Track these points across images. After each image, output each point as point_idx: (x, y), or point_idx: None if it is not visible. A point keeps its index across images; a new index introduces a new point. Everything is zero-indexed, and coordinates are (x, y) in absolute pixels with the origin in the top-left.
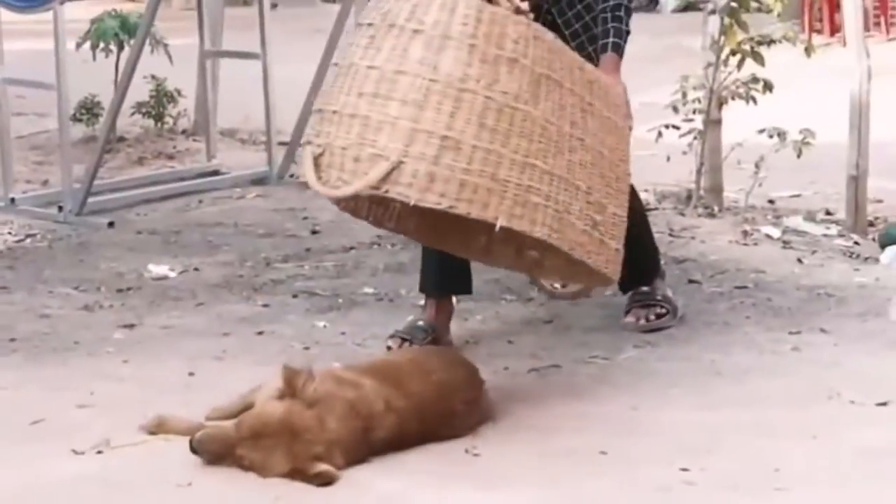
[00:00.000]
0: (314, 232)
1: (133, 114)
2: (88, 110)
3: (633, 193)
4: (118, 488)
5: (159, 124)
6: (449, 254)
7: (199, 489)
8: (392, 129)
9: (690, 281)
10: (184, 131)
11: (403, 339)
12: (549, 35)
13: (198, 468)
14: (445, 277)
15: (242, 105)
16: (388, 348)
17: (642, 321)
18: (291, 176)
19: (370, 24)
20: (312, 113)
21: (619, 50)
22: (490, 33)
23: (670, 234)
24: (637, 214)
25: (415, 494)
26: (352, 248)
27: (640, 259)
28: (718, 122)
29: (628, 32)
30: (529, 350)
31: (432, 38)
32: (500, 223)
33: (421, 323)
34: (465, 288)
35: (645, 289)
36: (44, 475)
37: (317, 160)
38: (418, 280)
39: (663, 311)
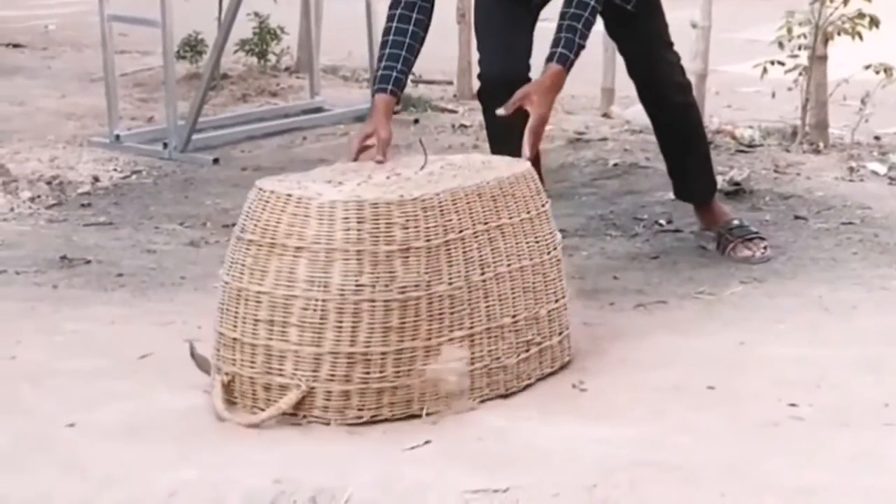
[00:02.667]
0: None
1: (236, 51)
2: (192, 48)
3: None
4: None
5: (262, 61)
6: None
7: (308, 427)
8: (296, 357)
9: (797, 217)
10: (287, 68)
11: None
12: (442, 185)
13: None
14: None
15: (345, 42)
16: None
17: (758, 253)
18: (395, 112)
19: (251, 241)
20: (215, 332)
21: (565, 62)
22: (376, 230)
23: (775, 171)
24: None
25: (521, 428)
26: None
27: (709, 170)
28: (824, 57)
29: (582, 46)
30: (635, 286)
31: (316, 253)
32: (425, 412)
33: None
34: None
35: (736, 222)
36: (153, 408)
37: (227, 387)
38: None
39: (765, 241)
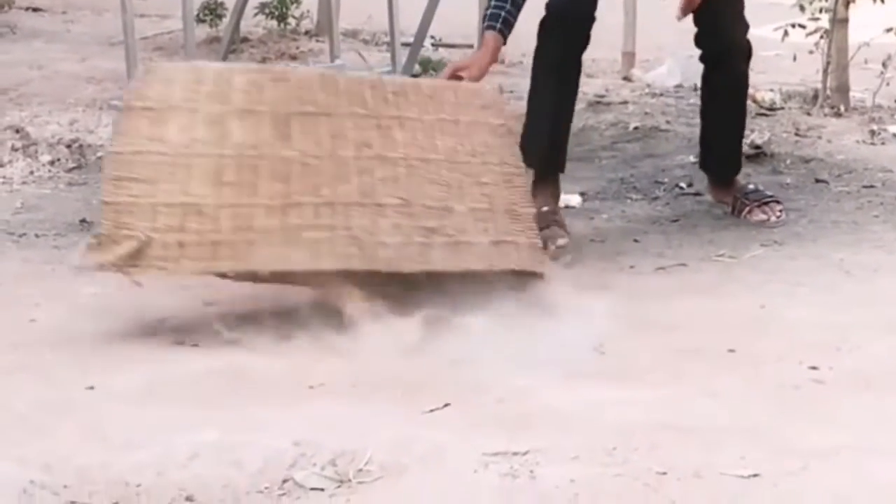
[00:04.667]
0: None
1: (256, 14)
2: (212, 11)
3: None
4: (245, 383)
5: (282, 24)
6: (559, 130)
7: (328, 389)
8: (136, 209)
9: (817, 180)
10: (307, 32)
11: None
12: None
13: (330, 373)
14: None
15: (365, 5)
16: None
17: (773, 217)
18: (415, 76)
19: (121, 108)
20: None
21: (492, 28)
22: (213, 93)
23: (796, 134)
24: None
25: (542, 390)
26: None
27: (741, 148)
28: (845, 20)
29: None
30: (656, 249)
31: (158, 112)
32: (267, 268)
33: (546, 208)
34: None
35: (751, 186)
36: (172, 370)
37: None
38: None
39: (781, 205)
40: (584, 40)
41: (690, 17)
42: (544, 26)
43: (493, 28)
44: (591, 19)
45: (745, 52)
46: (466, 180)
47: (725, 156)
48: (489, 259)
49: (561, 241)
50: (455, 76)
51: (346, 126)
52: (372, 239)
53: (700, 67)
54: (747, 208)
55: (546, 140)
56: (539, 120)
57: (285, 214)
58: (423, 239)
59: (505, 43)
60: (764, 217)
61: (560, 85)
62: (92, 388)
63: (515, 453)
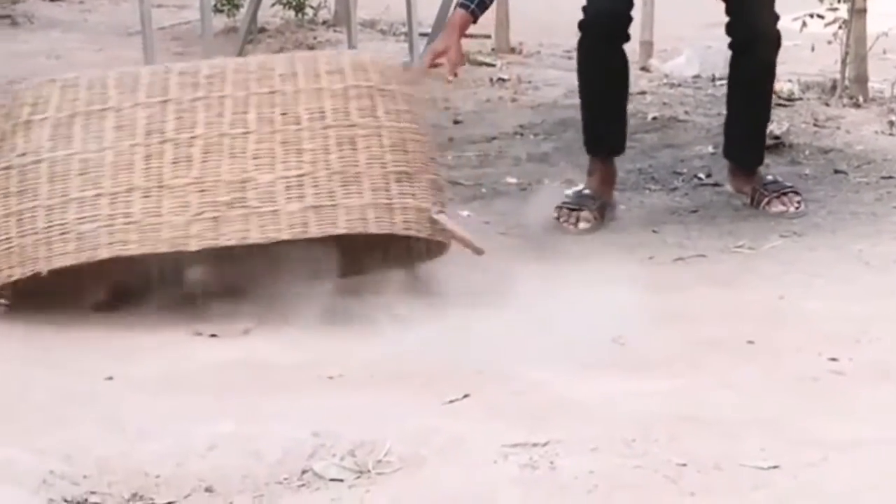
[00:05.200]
0: (456, 122)
1: (273, 4)
2: (229, 1)
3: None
4: (263, 374)
5: (300, 15)
6: (609, 118)
7: (347, 380)
8: None
9: (836, 171)
10: (324, 22)
11: (571, 209)
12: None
13: (347, 363)
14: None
15: None
16: (556, 219)
17: (792, 208)
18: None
19: None
20: None
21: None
22: (8, 108)
23: (815, 125)
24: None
25: (561, 381)
26: (494, 137)
27: (765, 138)
28: (863, 10)
29: None
30: (674, 239)
31: None
32: (48, 268)
33: (588, 191)
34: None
35: (770, 177)
36: (190, 361)
37: None
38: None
39: (800, 196)
40: (623, 37)
41: (722, 4)
42: (582, 28)
43: (467, 8)
44: (628, 18)
45: (774, 41)
46: (280, 149)
47: (748, 144)
48: (317, 223)
49: (583, 225)
50: (435, 64)
51: (136, 117)
52: (154, 221)
53: (719, 57)
54: (766, 199)
55: (594, 130)
56: (587, 113)
57: (64, 212)
58: (216, 213)
59: (475, 22)
60: (783, 208)
61: (601, 81)
62: (111, 378)
63: (535, 444)
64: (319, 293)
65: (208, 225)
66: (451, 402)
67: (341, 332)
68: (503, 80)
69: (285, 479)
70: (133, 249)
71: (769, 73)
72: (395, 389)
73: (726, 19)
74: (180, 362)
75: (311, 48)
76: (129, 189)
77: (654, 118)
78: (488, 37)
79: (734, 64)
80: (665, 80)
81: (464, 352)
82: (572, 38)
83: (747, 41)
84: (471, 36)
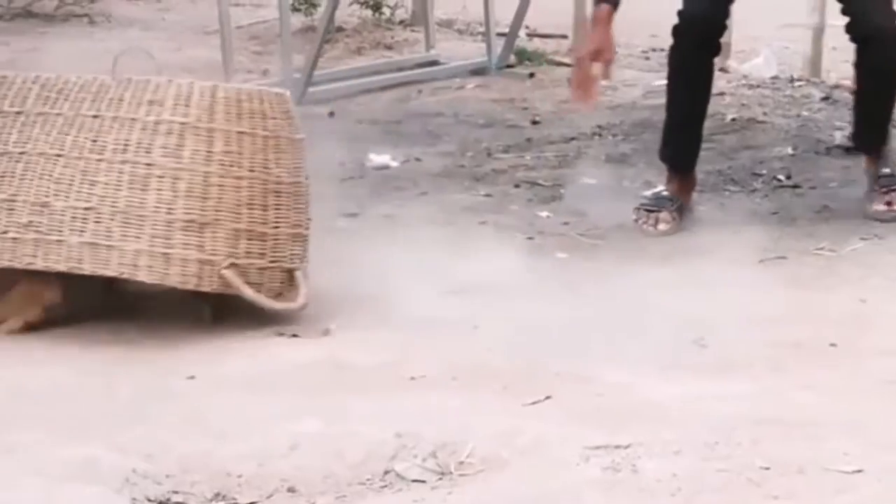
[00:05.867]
0: (534, 122)
1: (351, 3)
2: (306, 0)
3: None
4: (345, 374)
5: (377, 14)
6: (692, 129)
7: (429, 381)
8: None
9: None
10: (401, 21)
11: (650, 210)
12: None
13: (428, 364)
14: (685, 154)
15: None
16: (635, 221)
17: (882, 206)
18: (510, 67)
19: None
20: None
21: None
22: None
23: None
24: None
25: (642, 383)
26: (573, 138)
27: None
28: None
29: None
30: (755, 241)
31: None
32: None
33: (666, 193)
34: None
35: (886, 171)
36: (272, 360)
37: None
38: (658, 154)
39: None
40: (715, 46)
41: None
42: (676, 32)
43: (610, 1)
44: (723, 26)
45: (892, 38)
46: (79, 177)
47: (868, 128)
48: (91, 262)
49: (662, 227)
50: (596, 60)
51: (10, 123)
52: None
53: (796, 58)
54: (873, 194)
55: (675, 141)
56: (671, 121)
57: None
58: (16, 234)
59: (616, 10)
60: (881, 208)
61: (690, 90)
62: (193, 377)
63: (617, 447)
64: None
65: (8, 245)
66: (533, 403)
67: (422, 333)
68: None
69: (368, 479)
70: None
71: (889, 69)
72: (476, 391)
73: (805, 20)
74: (262, 362)
75: (389, 48)
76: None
77: (733, 119)
78: (565, 37)
79: (856, 58)
80: (743, 81)
81: (543, 353)
82: (650, 39)
83: (864, 39)
84: (548, 36)
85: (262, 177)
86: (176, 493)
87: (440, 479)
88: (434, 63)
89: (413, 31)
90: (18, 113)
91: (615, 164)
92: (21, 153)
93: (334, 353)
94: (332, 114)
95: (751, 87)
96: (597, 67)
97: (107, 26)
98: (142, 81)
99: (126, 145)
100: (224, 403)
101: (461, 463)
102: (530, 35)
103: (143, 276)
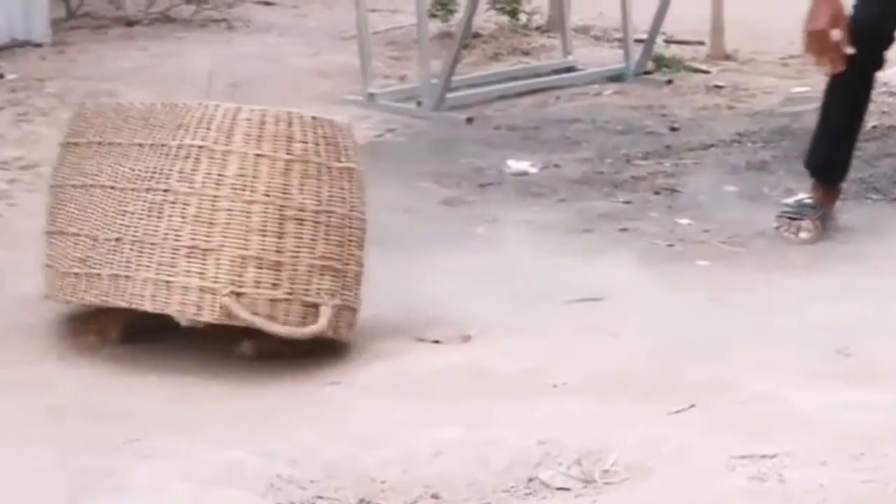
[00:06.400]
0: (673, 129)
1: (488, 9)
2: (443, 6)
3: None
4: (487, 380)
5: (514, 20)
6: (846, 141)
7: (571, 388)
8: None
9: None
10: (538, 27)
11: (792, 218)
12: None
13: (570, 371)
14: (836, 166)
15: (596, 1)
16: (777, 228)
17: None
18: (647, 73)
19: None
20: None
21: None
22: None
23: None
24: None
25: (786, 392)
26: (711, 145)
27: None
28: None
29: None
30: None
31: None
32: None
33: (809, 200)
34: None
35: None
36: (413, 367)
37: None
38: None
39: None
40: (880, 60)
41: None
42: (853, 37)
43: None
44: (891, 40)
45: None
46: (114, 208)
47: None
48: (114, 294)
49: (804, 235)
50: (835, 27)
51: (91, 153)
52: (60, 268)
53: None
54: None
55: (826, 152)
56: (823, 132)
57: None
58: (77, 269)
59: None
60: None
61: (850, 101)
62: (336, 383)
63: (763, 456)
64: (535, 302)
65: (70, 281)
66: (677, 412)
67: (563, 340)
68: (719, 86)
69: (512, 487)
70: (45, 292)
71: None
72: (619, 398)
73: None
74: (404, 369)
75: (526, 53)
76: (50, 232)
77: (874, 127)
78: (702, 43)
79: None
80: (884, 89)
81: (686, 361)
82: (788, 45)
83: None
84: (685, 42)
85: (279, 202)
86: (320, 498)
87: (585, 486)
88: (571, 69)
89: (550, 36)
90: (98, 143)
91: (755, 172)
92: (91, 186)
93: (475, 360)
94: (470, 120)
95: (892, 94)
96: (836, 33)
97: (245, 31)
98: (182, 106)
99: (152, 173)
100: (367, 409)
101: (606, 471)
102: (668, 41)
103: (148, 306)
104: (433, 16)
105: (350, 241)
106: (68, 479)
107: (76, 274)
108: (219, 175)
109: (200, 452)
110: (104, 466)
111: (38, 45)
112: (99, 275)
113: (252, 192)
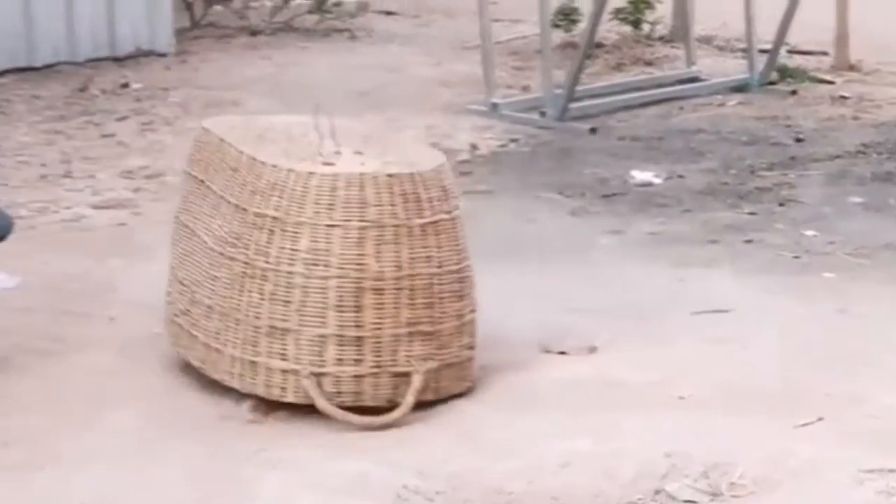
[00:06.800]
0: (798, 140)
1: (611, 19)
2: (566, 16)
3: None
4: (613, 392)
5: (637, 30)
6: None
7: (698, 401)
8: None
9: None
10: (661, 37)
11: None
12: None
13: (697, 383)
14: None
15: (720, 11)
16: None
17: None
18: (772, 84)
19: None
20: None
21: None
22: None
23: None
24: None
25: None
26: (837, 156)
27: None
28: None
29: None
30: None
31: None
32: None
33: None
34: None
35: None
36: (538, 378)
37: None
38: None
39: None
40: None
41: None
42: None
43: None
44: None
45: None
46: (206, 267)
47: None
48: (210, 364)
49: None
50: None
51: (196, 189)
52: (171, 310)
53: None
54: None
55: None
56: None
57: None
58: (181, 321)
59: None
60: None
61: None
62: (462, 395)
63: (892, 470)
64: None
65: (174, 330)
66: (805, 425)
67: (689, 351)
68: (844, 97)
69: (638, 499)
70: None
71: None
72: (745, 411)
73: None
74: (530, 380)
75: (649, 64)
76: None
77: None
78: (826, 54)
79: None
80: None
81: (814, 373)
82: None
83: None
84: (809, 52)
85: (355, 275)
86: None
87: (712, 499)
88: (695, 79)
89: (673, 47)
90: (201, 182)
91: (881, 183)
92: (193, 231)
93: (602, 371)
94: (593, 130)
95: None
96: None
97: (367, 41)
98: (260, 164)
99: (235, 239)
100: (494, 421)
101: (732, 484)
102: (791, 51)
103: (237, 384)
104: (556, 26)
105: (441, 298)
106: (199, 489)
107: (181, 326)
108: (292, 249)
109: (327, 463)
110: (234, 476)
111: (163, 55)
112: (197, 338)
113: (326, 266)
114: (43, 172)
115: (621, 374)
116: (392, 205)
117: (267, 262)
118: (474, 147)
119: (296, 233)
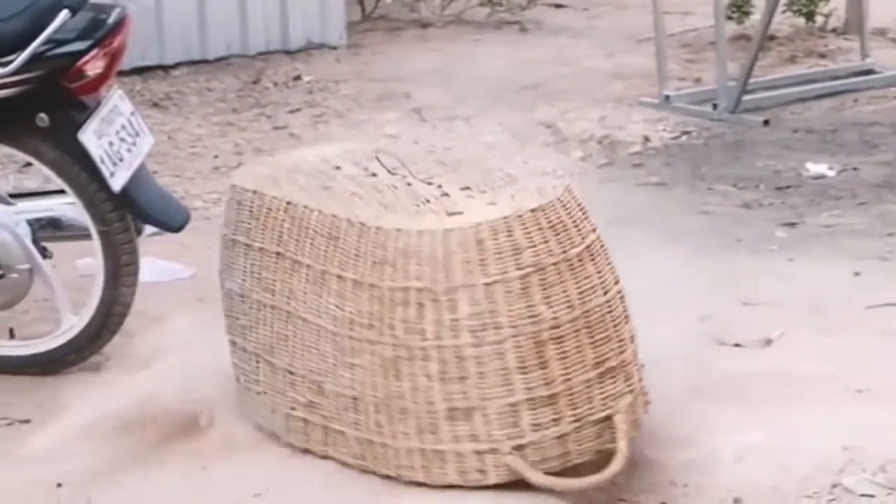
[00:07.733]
0: None
1: (784, 11)
2: (738, 8)
3: None
4: (789, 385)
5: (810, 22)
6: None
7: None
8: None
9: None
10: (834, 30)
11: None
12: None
13: (874, 376)
14: None
15: (893, 3)
16: None
17: None
18: None
19: None
20: None
21: None
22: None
23: None
24: None
25: None
26: None
27: None
28: None
29: None
30: None
31: None
32: None
33: None
34: None
35: None
36: (714, 371)
37: None
38: None
39: None
40: None
41: None
42: None
43: None
44: None
45: None
46: (333, 354)
47: None
48: (373, 459)
49: None
50: None
51: (270, 264)
52: (277, 405)
53: None
54: None
55: None
56: None
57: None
58: (305, 414)
59: None
60: None
61: None
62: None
63: None
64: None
65: (299, 425)
66: None
67: (865, 345)
68: None
69: (814, 493)
70: None
71: None
72: None
73: None
74: (705, 371)
75: (822, 56)
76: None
77: None
78: None
79: None
80: None
81: None
82: None
83: None
84: None
85: (530, 329)
86: (622, 501)
87: (889, 493)
88: (869, 72)
89: (846, 39)
90: (278, 254)
91: None
92: (288, 312)
93: (777, 363)
94: (766, 122)
95: None
96: None
97: (537, 34)
98: (374, 231)
99: (369, 319)
100: (668, 414)
101: None
102: None
103: (422, 477)
104: (728, 18)
105: (616, 325)
106: None
107: (305, 420)
108: (451, 320)
109: None
110: None
111: (334, 48)
112: (343, 433)
113: (496, 329)
114: (216, 164)
115: (796, 366)
116: (545, 241)
117: (424, 340)
118: (647, 139)
119: (451, 300)
